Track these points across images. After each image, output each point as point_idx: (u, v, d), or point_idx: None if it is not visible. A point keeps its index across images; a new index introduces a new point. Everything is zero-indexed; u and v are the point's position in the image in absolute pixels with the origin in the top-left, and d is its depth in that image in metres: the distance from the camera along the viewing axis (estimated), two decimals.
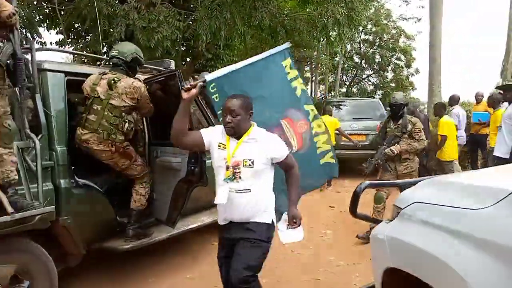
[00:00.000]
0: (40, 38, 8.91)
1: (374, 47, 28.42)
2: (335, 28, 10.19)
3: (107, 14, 7.30)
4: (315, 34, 10.92)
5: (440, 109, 6.64)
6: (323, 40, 11.48)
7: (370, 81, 31.22)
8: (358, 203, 2.19)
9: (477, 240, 1.26)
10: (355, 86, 31.50)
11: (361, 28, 25.37)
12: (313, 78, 27.11)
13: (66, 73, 3.28)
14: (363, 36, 28.04)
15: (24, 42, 3.14)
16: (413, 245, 1.59)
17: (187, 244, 4.50)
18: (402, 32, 26.98)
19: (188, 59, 11.06)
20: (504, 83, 8.85)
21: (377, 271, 1.90)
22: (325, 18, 10.18)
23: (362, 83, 31.51)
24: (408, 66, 28.04)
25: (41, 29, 8.96)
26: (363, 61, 29.56)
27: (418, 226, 1.64)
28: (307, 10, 10.57)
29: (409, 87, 29.63)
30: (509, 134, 4.57)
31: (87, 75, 3.43)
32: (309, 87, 27.00)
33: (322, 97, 24.98)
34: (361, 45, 28.72)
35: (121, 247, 3.33)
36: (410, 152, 4.53)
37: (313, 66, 25.22)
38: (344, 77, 30.29)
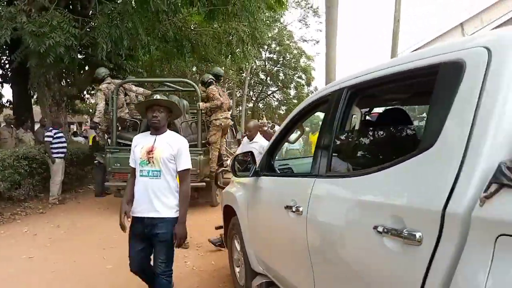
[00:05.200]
0: None
1: (278, 65, 29.99)
2: (239, 45, 10.57)
3: None
4: (221, 50, 11.19)
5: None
6: (229, 56, 11.81)
7: (275, 97, 32.72)
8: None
9: (239, 184, 3.17)
10: (261, 102, 32.72)
11: (266, 47, 26.66)
12: None
13: None
14: (268, 55, 29.45)
15: None
16: (229, 192, 3.38)
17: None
18: (302, 53, 28.97)
19: (87, 68, 10.44)
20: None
21: (222, 209, 3.64)
22: (230, 35, 10.53)
23: (268, 99, 32.88)
24: (308, 84, 30.13)
25: None
26: (268, 78, 30.93)
27: (233, 184, 3.42)
28: (215, 26, 10.80)
29: None
30: None
31: None
32: None
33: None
34: (266, 63, 30.08)
35: None
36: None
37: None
38: (251, 93, 31.31)
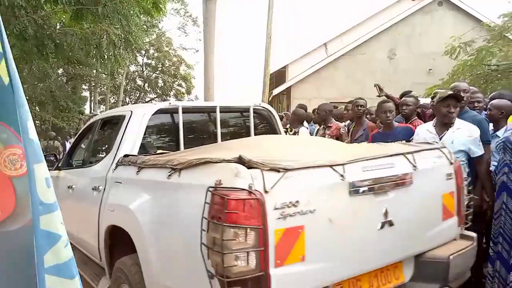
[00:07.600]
0: None
1: (157, 72, 29.34)
2: (110, 49, 10.06)
3: None
4: (89, 52, 10.49)
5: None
6: (99, 59, 11.13)
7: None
8: None
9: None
10: None
11: (143, 52, 25.85)
12: (92, 98, 25.66)
13: None
14: (146, 60, 28.60)
15: None
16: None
17: None
18: (182, 61, 28.92)
19: None
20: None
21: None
22: (100, 37, 9.93)
23: None
24: (189, 92, 30.18)
25: None
26: (147, 85, 30.01)
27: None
28: (85, 26, 10.02)
29: None
30: None
31: None
32: (87, 106, 25.40)
33: None
34: (144, 69, 29.16)
35: None
36: None
37: (92, 85, 23.89)
38: (127, 99, 29.92)
